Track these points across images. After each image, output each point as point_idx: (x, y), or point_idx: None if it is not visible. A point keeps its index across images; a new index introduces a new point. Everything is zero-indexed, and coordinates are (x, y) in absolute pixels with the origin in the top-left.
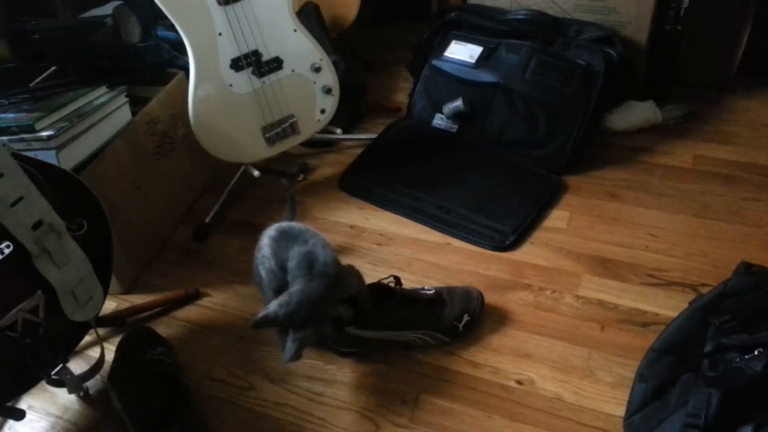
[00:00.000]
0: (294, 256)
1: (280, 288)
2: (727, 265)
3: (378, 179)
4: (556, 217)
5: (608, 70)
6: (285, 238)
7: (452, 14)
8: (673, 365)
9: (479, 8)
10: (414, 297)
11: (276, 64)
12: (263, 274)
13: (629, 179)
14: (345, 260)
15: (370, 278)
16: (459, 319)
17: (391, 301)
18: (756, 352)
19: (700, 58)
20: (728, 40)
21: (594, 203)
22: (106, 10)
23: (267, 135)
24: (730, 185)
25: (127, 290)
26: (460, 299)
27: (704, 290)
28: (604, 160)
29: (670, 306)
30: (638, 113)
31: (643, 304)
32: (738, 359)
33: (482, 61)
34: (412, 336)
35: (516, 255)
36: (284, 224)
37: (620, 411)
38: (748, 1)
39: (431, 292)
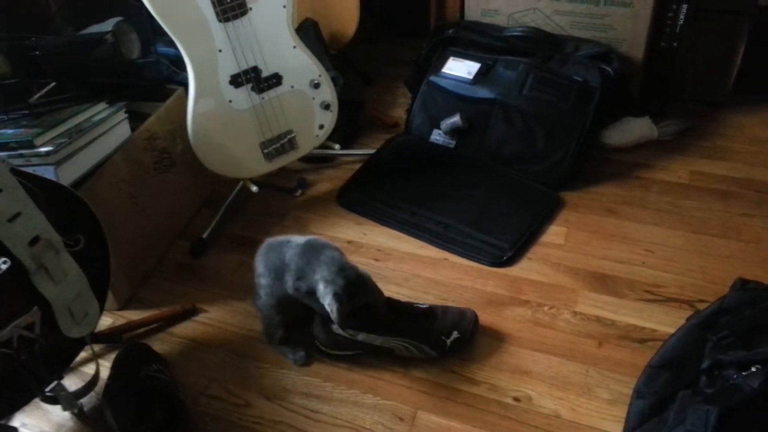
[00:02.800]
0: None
1: (280, 299)
2: (724, 281)
3: (376, 194)
4: (554, 233)
5: (605, 86)
6: (271, 250)
7: (450, 31)
8: (670, 382)
9: (477, 25)
10: (406, 310)
11: (275, 80)
12: (262, 293)
13: (626, 195)
14: None
15: None
16: (448, 334)
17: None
18: (753, 369)
19: (696, 74)
20: (724, 56)
21: (591, 219)
22: (106, 26)
23: (266, 150)
24: (727, 201)
25: (124, 306)
26: (452, 316)
27: (701, 306)
28: (601, 176)
29: (667, 322)
30: (635, 129)
31: (641, 320)
32: (735, 376)
33: (480, 77)
34: (396, 343)
35: (514, 271)
36: (269, 240)
37: (618, 428)
38: (742, 18)
39: (425, 307)
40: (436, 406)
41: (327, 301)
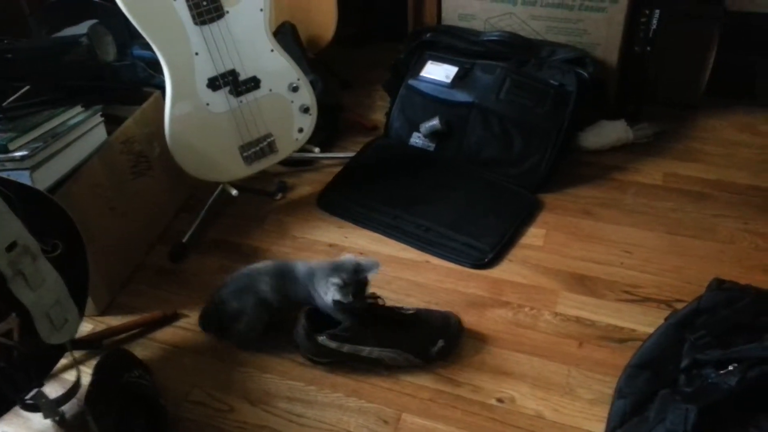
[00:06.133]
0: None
1: (270, 319)
2: (700, 281)
3: (356, 198)
4: (533, 235)
5: (580, 90)
6: (283, 276)
7: (428, 35)
8: (650, 381)
9: (454, 29)
10: (391, 315)
11: (253, 83)
12: (252, 301)
13: (603, 197)
14: None
15: None
16: (433, 343)
17: (367, 316)
18: (730, 368)
19: (670, 78)
20: (696, 60)
21: (569, 221)
22: (81, 29)
23: (245, 154)
24: (701, 202)
25: (103, 312)
26: (437, 323)
27: (679, 306)
28: (578, 178)
29: (645, 322)
30: (610, 132)
31: (620, 320)
32: (713, 375)
33: (458, 81)
34: (383, 354)
35: (494, 272)
36: (280, 264)
37: (600, 428)
38: (714, 22)
39: (410, 312)
40: (420, 409)
41: (330, 293)
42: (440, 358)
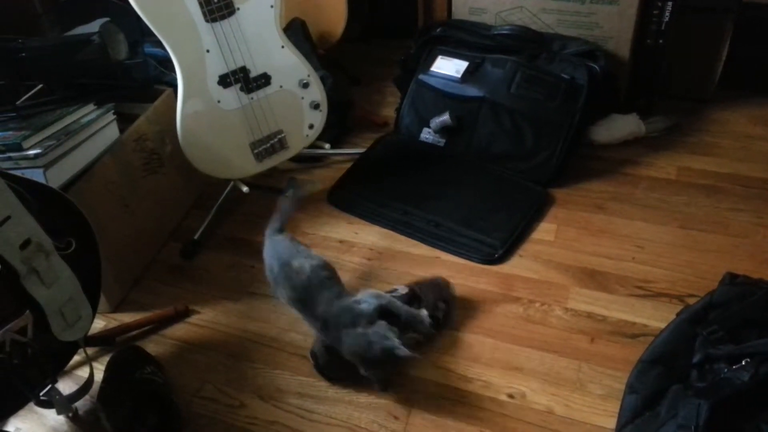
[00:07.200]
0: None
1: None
2: (713, 275)
3: (367, 194)
4: (544, 230)
5: (592, 83)
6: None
7: (438, 30)
8: (662, 376)
9: (464, 23)
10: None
11: (264, 80)
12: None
13: (614, 191)
14: None
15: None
16: (437, 309)
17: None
18: (743, 362)
19: (682, 71)
20: (709, 53)
21: (580, 215)
22: (93, 27)
23: (255, 151)
24: (714, 196)
25: (116, 309)
26: (430, 289)
27: (691, 301)
28: (590, 173)
29: (657, 317)
30: (622, 126)
31: (632, 315)
32: (726, 370)
33: (468, 75)
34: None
35: (505, 268)
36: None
37: (611, 423)
38: (727, 14)
39: (405, 291)
40: (431, 404)
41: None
42: (446, 318)
